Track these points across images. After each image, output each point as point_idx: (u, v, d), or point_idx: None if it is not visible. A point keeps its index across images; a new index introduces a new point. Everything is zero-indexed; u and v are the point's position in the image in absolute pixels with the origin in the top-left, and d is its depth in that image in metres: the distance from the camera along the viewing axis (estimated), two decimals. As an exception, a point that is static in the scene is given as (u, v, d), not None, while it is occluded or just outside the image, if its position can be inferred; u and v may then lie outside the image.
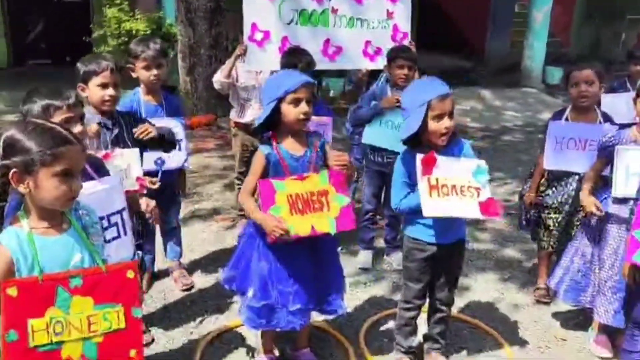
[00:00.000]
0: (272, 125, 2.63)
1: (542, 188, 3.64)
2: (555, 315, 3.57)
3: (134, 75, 3.42)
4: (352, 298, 3.64)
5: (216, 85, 4.18)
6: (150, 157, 3.31)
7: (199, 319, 3.35)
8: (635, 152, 2.90)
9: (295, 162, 2.64)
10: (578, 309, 3.45)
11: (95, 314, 1.71)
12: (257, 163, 2.63)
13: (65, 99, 2.28)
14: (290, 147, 2.64)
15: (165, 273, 3.85)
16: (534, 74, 11.52)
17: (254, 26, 3.99)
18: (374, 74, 4.34)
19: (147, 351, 3.03)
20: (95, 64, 2.88)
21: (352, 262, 4.06)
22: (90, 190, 2.18)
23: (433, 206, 2.59)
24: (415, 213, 2.68)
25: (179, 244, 3.85)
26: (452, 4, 16.31)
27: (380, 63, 4.15)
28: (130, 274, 1.78)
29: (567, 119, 3.51)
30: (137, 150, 2.96)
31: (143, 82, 3.43)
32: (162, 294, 3.63)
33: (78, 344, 1.68)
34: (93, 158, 2.52)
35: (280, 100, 2.55)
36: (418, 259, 2.81)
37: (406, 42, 4.48)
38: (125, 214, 2.43)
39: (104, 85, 2.88)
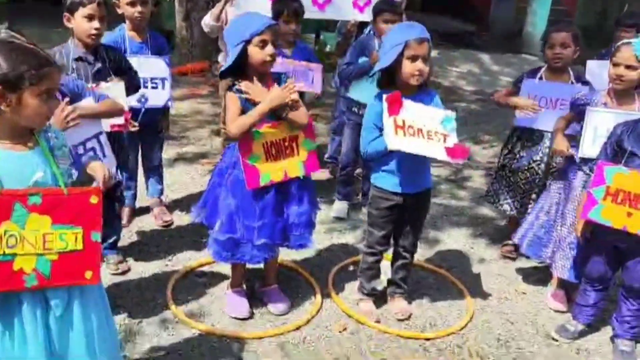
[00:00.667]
0: (238, 68, 2.69)
1: (515, 149, 3.72)
2: (520, 270, 3.70)
3: (119, 11, 3.46)
4: (325, 244, 3.77)
5: (205, 29, 4.20)
6: (134, 94, 3.38)
7: (174, 254, 3.49)
8: (604, 115, 2.97)
9: None
10: (543, 265, 3.59)
11: (51, 232, 1.77)
12: (233, 105, 2.69)
13: None
14: (256, 89, 2.71)
15: (146, 210, 3.97)
16: (535, 40, 11.42)
17: (244, -30, 3.99)
18: (362, 26, 4.35)
19: (122, 278, 3.19)
20: None
21: (328, 212, 4.18)
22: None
23: (399, 141, 2.67)
24: (381, 158, 2.77)
25: (161, 182, 3.96)
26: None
27: (369, 15, 4.16)
28: (94, 200, 1.83)
29: (541, 78, 3.58)
30: (122, 83, 3.02)
31: (128, 19, 3.47)
32: (141, 229, 3.75)
33: (31, 259, 1.76)
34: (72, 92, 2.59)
35: (246, 42, 2.61)
36: (382, 207, 2.91)
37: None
38: (103, 138, 2.52)
39: (90, 17, 2.92)
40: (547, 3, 11.22)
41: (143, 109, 3.50)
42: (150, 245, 3.57)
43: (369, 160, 2.94)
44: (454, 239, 4.08)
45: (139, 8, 3.41)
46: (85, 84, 2.80)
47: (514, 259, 3.78)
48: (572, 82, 3.51)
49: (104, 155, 2.48)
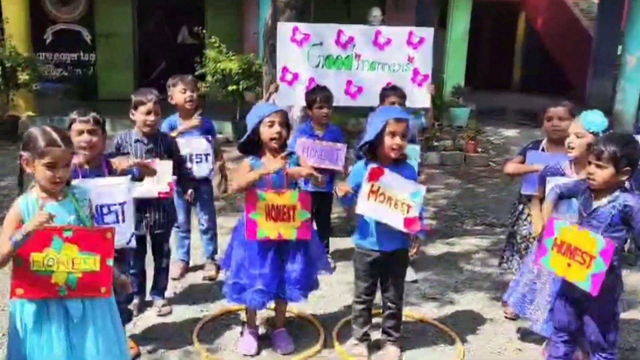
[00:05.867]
0: (253, 146, 3.39)
1: (522, 217, 4.04)
2: (522, 329, 3.91)
3: (171, 102, 4.38)
4: (342, 299, 4.25)
5: (254, 114, 5.04)
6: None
7: (211, 303, 4.14)
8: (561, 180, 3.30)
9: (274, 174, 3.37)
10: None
11: (78, 257, 2.50)
12: (244, 167, 3.39)
13: (83, 115, 3.17)
14: (268, 161, 3.39)
15: (201, 267, 4.70)
16: (625, 118, 11.29)
17: (285, 69, 4.84)
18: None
19: (163, 319, 3.89)
20: (143, 95, 3.83)
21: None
22: (100, 183, 3.13)
23: (367, 208, 3.22)
24: (360, 220, 3.31)
25: (212, 242, 4.69)
26: (556, 47, 16.30)
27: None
28: (109, 235, 2.57)
29: (543, 149, 3.93)
30: (170, 162, 3.84)
31: (179, 107, 4.37)
32: (191, 282, 4.49)
33: (64, 275, 2.49)
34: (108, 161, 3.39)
35: (259, 123, 3.32)
36: (363, 262, 3.40)
37: (426, 84, 5.07)
38: (127, 207, 3.25)
39: (148, 112, 3.81)
40: (636, 79, 11.11)
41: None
42: (194, 295, 4.27)
43: (342, 204, 3.48)
44: (470, 301, 4.37)
45: (188, 94, 4.31)
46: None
47: (513, 319, 4.00)
48: None
49: (123, 221, 3.22)
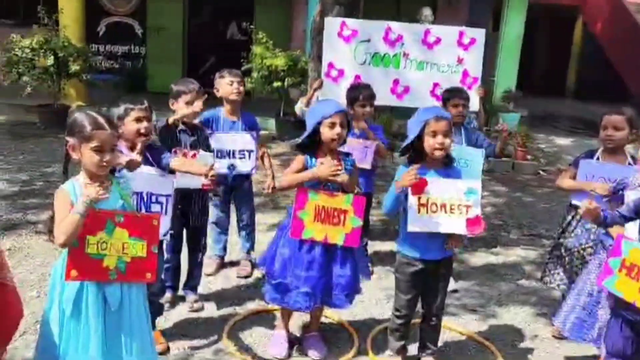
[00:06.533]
0: (312, 144, 3.28)
1: (570, 227, 3.81)
2: (570, 348, 3.69)
3: (217, 94, 4.29)
4: (379, 305, 4.10)
5: (298, 112, 4.93)
6: (225, 163, 4.16)
7: (244, 301, 4.06)
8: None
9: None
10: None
11: (128, 242, 2.50)
12: (299, 162, 3.28)
13: (138, 103, 3.16)
14: (325, 162, 3.25)
15: (237, 263, 4.62)
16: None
17: (330, 65, 4.72)
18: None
19: (194, 315, 3.82)
20: (185, 85, 3.76)
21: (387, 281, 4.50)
22: (148, 171, 3.13)
23: (420, 223, 3.04)
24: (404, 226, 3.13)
25: (249, 239, 4.60)
26: (616, 53, 15.66)
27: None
28: (155, 222, 2.58)
29: (597, 159, 3.69)
30: (211, 154, 3.78)
31: (225, 99, 4.27)
32: (224, 278, 4.41)
33: (114, 258, 2.48)
34: (157, 152, 3.35)
35: (319, 123, 3.21)
36: (406, 272, 3.22)
37: (476, 87, 4.87)
38: (171, 199, 3.23)
39: (189, 103, 3.75)
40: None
41: (232, 175, 4.25)
42: (227, 293, 4.19)
43: (386, 212, 3.30)
44: (514, 315, 4.16)
45: (235, 86, 4.21)
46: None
47: (561, 338, 3.76)
48: (629, 164, 3.59)
49: (166, 213, 3.21)
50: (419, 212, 3.05)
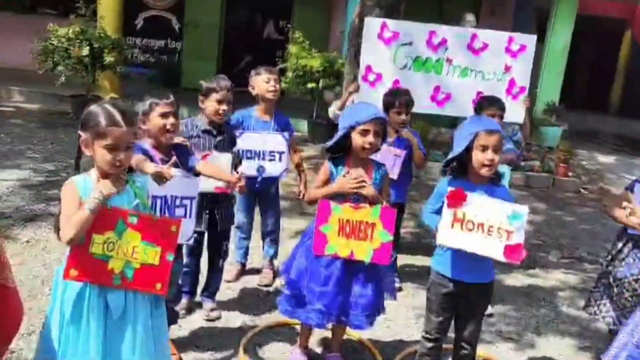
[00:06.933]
0: (342, 149, 3.05)
1: (621, 256, 3.49)
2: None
3: (253, 92, 4.07)
4: (406, 326, 3.83)
5: (331, 115, 4.71)
6: (254, 164, 3.94)
7: (262, 312, 3.83)
8: None
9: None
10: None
11: (139, 246, 2.28)
12: (323, 173, 3.07)
13: (165, 97, 2.97)
14: (353, 170, 3.03)
15: (259, 270, 4.40)
16: None
17: (368, 68, 4.46)
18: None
19: (211, 324, 3.61)
20: (216, 83, 3.57)
21: (414, 300, 4.22)
22: (178, 173, 2.90)
23: (451, 238, 2.76)
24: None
25: (273, 246, 4.37)
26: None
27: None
28: (174, 228, 2.35)
29: None
30: (229, 155, 3.54)
31: (261, 96, 4.05)
32: (244, 285, 4.19)
33: (121, 262, 2.27)
34: (183, 152, 3.15)
35: (352, 128, 2.96)
36: (439, 292, 2.95)
37: (522, 97, 4.56)
38: (194, 203, 3.03)
39: (219, 101, 3.54)
40: None
41: (260, 178, 4.02)
42: (246, 301, 3.97)
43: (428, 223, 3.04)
44: (553, 346, 3.85)
45: (272, 83, 3.99)
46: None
47: (608, 377, 3.45)
48: None
49: (190, 216, 3.01)
50: (452, 227, 2.78)
